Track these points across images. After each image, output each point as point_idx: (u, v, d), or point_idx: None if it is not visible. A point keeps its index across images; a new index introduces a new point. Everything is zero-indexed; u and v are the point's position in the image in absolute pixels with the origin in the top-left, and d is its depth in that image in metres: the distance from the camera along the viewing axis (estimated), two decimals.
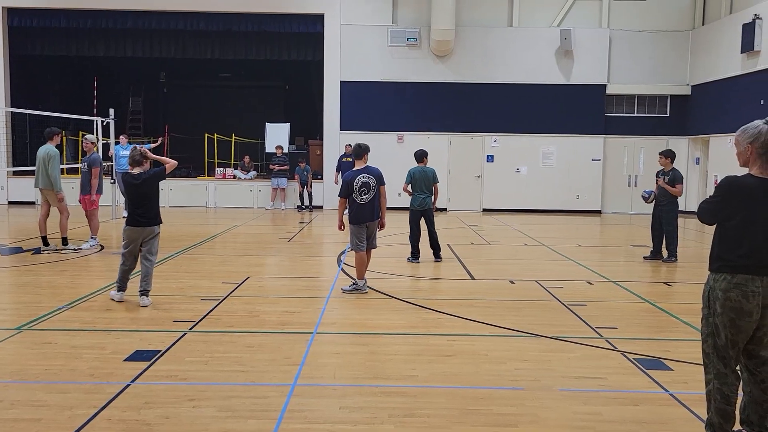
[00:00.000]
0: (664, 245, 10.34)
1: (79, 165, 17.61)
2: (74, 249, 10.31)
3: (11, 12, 19.09)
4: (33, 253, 10.01)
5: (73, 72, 22.00)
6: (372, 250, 7.87)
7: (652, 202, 10.34)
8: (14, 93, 19.33)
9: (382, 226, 7.91)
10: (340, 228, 7.90)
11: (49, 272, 8.67)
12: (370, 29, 18.80)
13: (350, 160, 17.58)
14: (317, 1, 18.83)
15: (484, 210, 19.12)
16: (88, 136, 11.53)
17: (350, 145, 17.77)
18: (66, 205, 10.38)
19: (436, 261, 9.90)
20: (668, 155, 10.28)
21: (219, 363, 5.04)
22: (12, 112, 17.81)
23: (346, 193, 7.59)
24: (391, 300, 7.35)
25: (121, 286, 6.98)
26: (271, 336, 5.83)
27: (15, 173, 18.38)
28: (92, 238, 10.79)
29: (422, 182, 9.89)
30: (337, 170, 17.74)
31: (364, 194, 7.52)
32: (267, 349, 5.41)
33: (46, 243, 10.29)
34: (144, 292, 6.81)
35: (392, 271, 9.12)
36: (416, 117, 18.96)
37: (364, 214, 7.57)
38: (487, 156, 19.20)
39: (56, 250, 10.20)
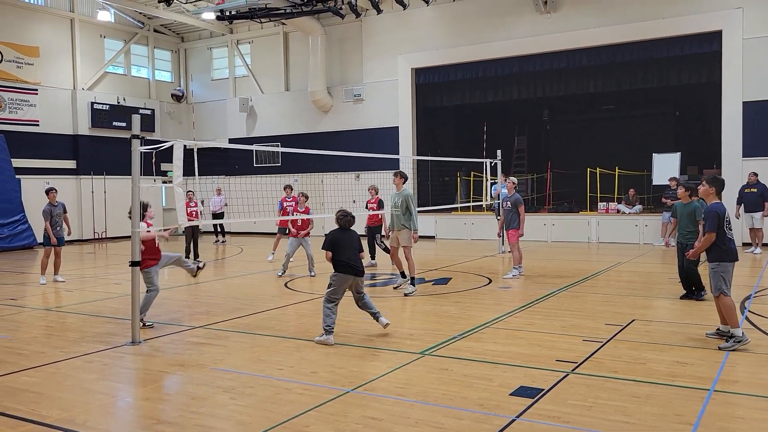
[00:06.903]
0: None
1: (468, 204, 19.42)
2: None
3: (417, 72, 22.09)
4: (433, 284, 11.25)
5: (466, 119, 24.32)
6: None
7: None
8: (419, 141, 22.25)
9: None
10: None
11: (445, 303, 9.61)
12: None
13: (754, 191, 15.46)
14: (714, 18, 17.22)
15: None
16: (512, 178, 12.90)
17: (755, 174, 15.61)
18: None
19: None
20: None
21: (602, 410, 4.87)
22: (417, 159, 20.53)
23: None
24: None
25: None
26: (659, 388, 5.40)
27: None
28: (515, 267, 11.91)
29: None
30: (738, 203, 15.69)
31: (729, 229, 6.85)
32: (655, 402, 5.03)
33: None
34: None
35: None
36: None
37: (734, 250, 6.86)
38: None
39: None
